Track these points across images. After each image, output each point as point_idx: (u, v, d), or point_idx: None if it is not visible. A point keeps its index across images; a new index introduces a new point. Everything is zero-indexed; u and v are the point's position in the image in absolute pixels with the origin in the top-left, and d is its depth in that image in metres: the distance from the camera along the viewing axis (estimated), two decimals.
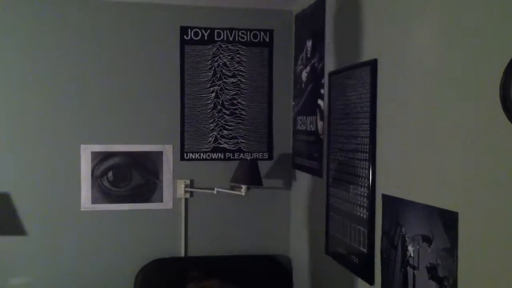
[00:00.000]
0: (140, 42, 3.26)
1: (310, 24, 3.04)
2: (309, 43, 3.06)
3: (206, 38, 3.33)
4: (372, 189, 2.15)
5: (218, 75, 3.35)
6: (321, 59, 2.82)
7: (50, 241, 3.18)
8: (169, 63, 3.30)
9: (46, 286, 3.18)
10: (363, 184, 2.23)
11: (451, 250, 1.58)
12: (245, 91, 3.39)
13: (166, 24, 3.29)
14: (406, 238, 1.86)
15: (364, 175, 2.22)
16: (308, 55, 3.07)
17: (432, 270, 1.69)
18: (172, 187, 3.33)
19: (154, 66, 3.28)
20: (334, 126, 2.58)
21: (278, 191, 3.47)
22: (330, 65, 2.70)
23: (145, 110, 3.28)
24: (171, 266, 3.23)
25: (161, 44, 3.28)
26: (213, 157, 3.38)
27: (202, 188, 3.36)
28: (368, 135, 2.18)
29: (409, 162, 1.86)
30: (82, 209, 3.22)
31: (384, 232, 2.05)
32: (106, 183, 3.24)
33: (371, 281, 2.16)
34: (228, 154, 3.39)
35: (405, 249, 1.87)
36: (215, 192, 3.32)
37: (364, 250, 2.21)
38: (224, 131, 3.38)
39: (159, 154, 3.31)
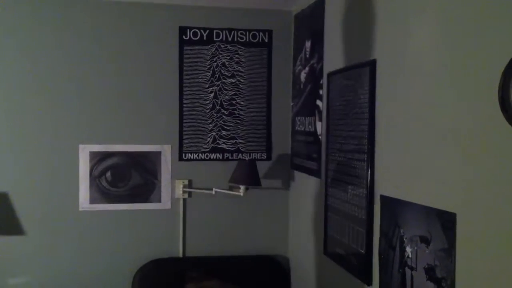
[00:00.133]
0: (139, 42, 3.26)
1: (309, 25, 3.04)
2: (308, 44, 3.06)
3: (205, 38, 3.33)
4: (371, 189, 2.15)
5: (217, 75, 3.35)
6: (320, 59, 2.83)
7: (49, 241, 3.18)
8: (168, 63, 3.30)
9: (44, 286, 3.17)
10: (361, 184, 2.23)
11: (449, 251, 1.59)
12: (244, 92, 3.39)
13: (165, 24, 3.29)
14: (404, 239, 1.86)
15: (362, 175, 2.22)
16: (307, 56, 3.07)
17: (430, 271, 1.69)
18: (171, 187, 3.32)
19: (153, 66, 3.28)
20: (332, 127, 2.58)
21: (277, 191, 3.47)
22: (329, 65, 2.70)
23: (144, 110, 3.28)
24: (169, 266, 3.23)
25: (160, 44, 3.28)
26: (212, 157, 3.38)
27: (201, 188, 3.36)
28: (366, 136, 2.18)
29: (408, 163, 1.86)
30: (80, 209, 3.22)
31: (382, 233, 2.05)
32: (104, 183, 3.24)
33: (369, 281, 2.16)
34: (226, 155, 3.39)
35: (403, 250, 1.87)
36: (213, 192, 3.32)
37: (362, 251, 2.21)
38: (223, 131, 3.38)
39: (158, 154, 3.30)
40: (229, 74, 3.37)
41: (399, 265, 1.90)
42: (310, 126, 2.99)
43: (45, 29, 3.14)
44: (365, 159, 2.19)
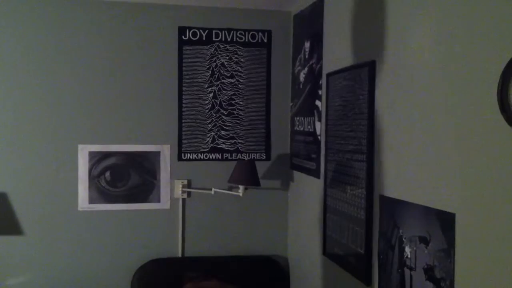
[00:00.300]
0: (138, 42, 3.26)
1: (308, 25, 3.04)
2: (307, 44, 3.06)
3: (204, 38, 3.33)
4: (370, 190, 2.15)
5: (216, 76, 3.36)
6: (319, 60, 2.83)
7: (48, 240, 3.18)
8: (167, 63, 3.30)
9: (43, 286, 3.17)
10: (360, 185, 2.23)
11: (448, 251, 1.59)
12: (243, 92, 3.40)
13: (164, 24, 3.29)
14: (403, 239, 1.87)
15: (361, 176, 2.22)
16: (306, 56, 3.07)
17: (429, 271, 1.70)
18: (170, 187, 3.32)
19: (152, 66, 3.28)
20: (331, 127, 2.58)
21: (276, 191, 3.47)
22: (328, 66, 2.71)
23: (143, 110, 3.28)
24: (168, 266, 3.23)
25: (159, 44, 3.28)
26: (211, 157, 3.38)
27: (200, 188, 3.36)
28: (365, 136, 2.18)
29: (407, 163, 1.87)
30: (79, 209, 3.22)
31: (381, 233, 2.05)
32: (103, 183, 3.24)
33: (368, 282, 2.17)
34: (225, 155, 3.39)
35: (402, 250, 1.87)
36: (212, 192, 3.32)
37: (361, 251, 2.21)
38: (222, 131, 3.38)
39: (157, 154, 3.30)
40: (228, 74, 3.37)
41: (398, 265, 1.90)
42: (309, 126, 2.99)
43: (44, 29, 3.14)
44: (364, 159, 2.19)
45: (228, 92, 3.37)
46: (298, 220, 3.27)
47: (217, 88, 3.36)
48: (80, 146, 3.21)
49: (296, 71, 3.31)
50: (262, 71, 3.42)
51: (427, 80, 1.75)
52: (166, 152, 3.31)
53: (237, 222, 3.42)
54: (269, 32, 3.42)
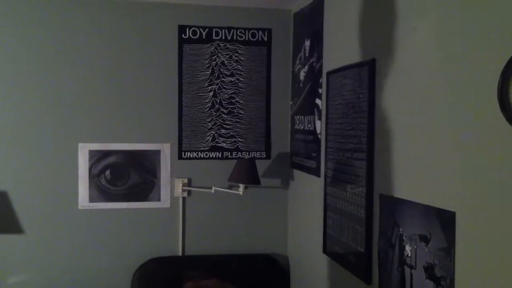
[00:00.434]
0: (138, 41, 3.25)
1: (309, 24, 3.04)
2: (307, 43, 3.06)
3: (204, 37, 3.33)
4: (370, 188, 2.15)
5: (216, 74, 3.35)
6: (320, 58, 2.83)
7: (48, 239, 3.18)
8: (167, 61, 3.30)
9: (43, 284, 3.18)
10: (360, 183, 2.23)
11: (448, 249, 1.59)
12: (243, 90, 3.39)
13: (164, 22, 3.28)
14: (404, 238, 1.87)
15: (361, 174, 2.22)
16: (306, 55, 3.07)
17: (429, 270, 1.70)
18: (170, 186, 3.33)
19: (152, 64, 3.28)
20: (332, 126, 2.58)
21: (276, 190, 3.47)
22: (328, 64, 2.71)
23: (143, 108, 3.28)
24: (168, 265, 3.23)
25: (159, 42, 3.28)
26: (211, 156, 3.38)
27: (200, 187, 3.36)
28: (366, 135, 2.18)
29: (407, 162, 1.87)
30: (79, 208, 3.22)
31: (382, 232, 2.05)
32: (103, 182, 3.24)
33: (368, 280, 2.17)
34: (226, 153, 3.39)
35: (402, 249, 1.87)
36: (213, 191, 3.32)
37: (362, 250, 2.22)
38: (222, 130, 3.38)
39: (157, 152, 3.30)
40: (229, 73, 3.37)
41: (398, 263, 1.90)
42: (309, 125, 2.99)
43: (43, 28, 3.14)
44: (365, 158, 2.19)
45: (228, 90, 3.37)
46: (298, 219, 3.27)
47: (217, 86, 3.36)
48: (80, 145, 3.21)
49: (296, 69, 3.30)
50: (262, 70, 3.42)
51: (427, 78, 1.75)
52: (166, 151, 3.31)
53: (237, 220, 3.43)
54: (269, 31, 3.41)
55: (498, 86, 1.35)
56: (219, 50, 3.35)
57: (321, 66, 2.80)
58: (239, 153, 3.41)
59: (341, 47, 2.54)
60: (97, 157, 3.23)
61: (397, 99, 1.95)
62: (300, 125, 3.19)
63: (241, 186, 3.21)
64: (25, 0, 3.11)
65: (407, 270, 1.84)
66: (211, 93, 3.35)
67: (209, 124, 3.36)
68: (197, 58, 3.33)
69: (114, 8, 3.22)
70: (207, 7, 3.32)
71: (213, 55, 3.35)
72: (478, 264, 1.47)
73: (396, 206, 1.93)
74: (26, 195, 3.14)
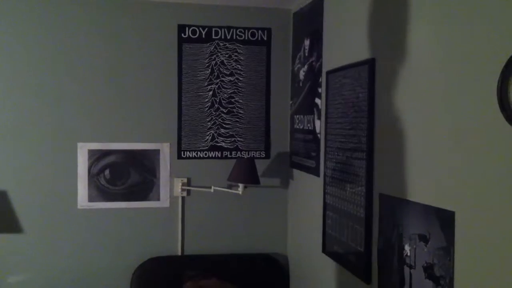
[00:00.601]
0: (137, 40, 3.25)
1: (308, 23, 3.04)
2: (307, 42, 3.06)
3: (203, 36, 3.33)
4: (369, 188, 2.15)
5: (216, 74, 3.35)
6: (319, 57, 2.83)
7: (47, 239, 3.18)
8: (167, 61, 3.30)
9: (42, 283, 3.17)
10: (360, 183, 2.23)
11: (448, 249, 1.59)
12: (242, 90, 3.39)
13: (163, 22, 3.28)
14: (403, 237, 1.87)
15: (361, 174, 2.22)
16: (306, 54, 3.07)
17: (428, 269, 1.70)
18: (169, 185, 3.32)
19: (151, 64, 3.28)
20: (331, 125, 2.58)
21: (276, 189, 3.47)
22: (328, 64, 2.70)
23: (142, 108, 3.27)
24: (168, 265, 3.23)
25: (158, 42, 3.28)
26: (211, 155, 3.38)
27: (199, 186, 3.36)
28: (365, 134, 2.18)
29: (407, 162, 1.87)
30: (79, 207, 3.22)
31: (381, 231, 2.05)
32: (103, 181, 3.24)
33: (367, 280, 2.17)
34: (225, 153, 3.39)
35: (401, 248, 1.87)
36: (212, 190, 3.32)
37: (361, 249, 2.21)
38: (222, 129, 3.38)
39: (156, 152, 3.30)
40: (228, 72, 3.37)
41: (397, 263, 1.90)
42: (309, 125, 2.99)
43: (43, 27, 3.13)
44: (364, 157, 2.19)
45: (228, 90, 3.37)
46: (297, 218, 3.27)
47: (217, 86, 3.36)
48: (79, 144, 3.20)
49: (295, 69, 3.30)
50: (262, 69, 3.41)
51: (426, 78, 1.75)
52: (165, 150, 3.31)
53: (237, 220, 3.43)
54: (269, 30, 3.41)
55: (497, 86, 1.35)
56: (219, 50, 3.35)
57: (320, 66, 2.80)
58: (239, 152, 3.41)
59: (340, 47, 2.54)
60: (96, 156, 3.23)
61: (396, 98, 1.95)
62: (299, 124, 3.19)
63: (241, 185, 3.21)
64: (24, 0, 3.11)
65: (406, 269, 1.84)
66: (211, 93, 3.35)
67: (209, 123, 3.36)
68: (197, 57, 3.33)
69: (113, 8, 3.22)
70: (207, 6, 3.32)
71: (212, 55, 3.34)
72: (477, 264, 1.47)
73: (396, 206, 1.93)
74: (25, 194, 3.14)
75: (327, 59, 2.72)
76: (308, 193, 3.03)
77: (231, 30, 3.36)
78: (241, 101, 3.39)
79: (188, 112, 3.33)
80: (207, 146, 3.37)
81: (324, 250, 2.70)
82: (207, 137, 3.37)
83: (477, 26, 1.49)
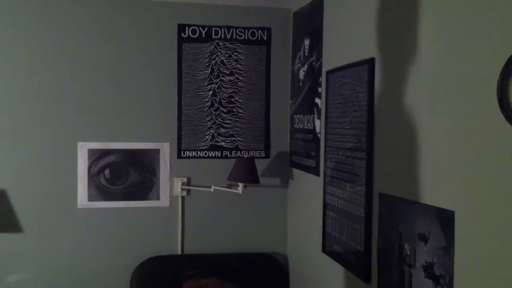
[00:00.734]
0: (137, 40, 3.25)
1: (308, 23, 3.04)
2: (307, 42, 3.06)
3: (203, 36, 3.33)
4: (369, 187, 2.15)
5: (216, 73, 3.35)
6: (319, 57, 2.83)
7: (47, 238, 3.18)
8: (167, 61, 3.30)
9: (42, 283, 3.17)
10: (360, 182, 2.23)
11: (448, 248, 1.59)
12: (242, 89, 3.39)
13: (163, 21, 3.28)
14: (403, 237, 1.87)
15: (361, 173, 2.22)
16: (306, 54, 3.07)
17: (428, 269, 1.70)
18: (169, 185, 3.32)
19: (151, 63, 3.28)
20: (331, 125, 2.58)
21: (275, 189, 3.47)
22: (327, 63, 2.71)
23: (142, 107, 3.28)
24: (167, 264, 3.23)
25: (158, 41, 3.28)
26: (210, 155, 3.38)
27: (199, 186, 3.36)
28: (365, 134, 2.18)
29: (406, 161, 1.87)
30: (78, 207, 3.22)
31: (381, 231, 2.05)
32: (103, 181, 3.24)
33: (367, 279, 2.17)
34: (225, 152, 3.39)
35: (401, 248, 1.88)
36: (212, 190, 3.32)
37: (361, 249, 2.22)
38: (222, 129, 3.38)
39: (156, 151, 3.30)
40: (228, 72, 3.37)
41: (397, 262, 1.90)
42: (308, 124, 2.99)
43: (42, 26, 3.13)
44: (364, 157, 2.19)
45: (228, 89, 3.37)
46: (297, 218, 3.27)
47: (217, 85, 3.36)
48: (79, 144, 3.21)
49: (295, 68, 3.30)
50: (262, 69, 3.42)
51: (426, 77, 1.75)
52: (165, 150, 3.31)
53: (237, 219, 3.43)
54: (269, 30, 3.41)
55: (497, 86, 1.36)
56: (219, 49, 3.35)
57: (320, 65, 2.80)
58: (239, 152, 3.41)
59: (340, 46, 2.54)
60: (96, 156, 3.23)
61: (396, 97, 1.95)
62: (299, 124, 3.19)
63: (241, 185, 3.21)
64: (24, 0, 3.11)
65: (406, 269, 1.84)
66: (211, 92, 3.35)
67: (209, 123, 3.36)
68: (197, 57, 3.33)
69: (113, 7, 3.22)
70: (207, 6, 3.32)
71: (212, 54, 3.34)
72: (477, 263, 1.47)
73: (396, 205, 1.93)
74: (25, 194, 3.14)
75: (327, 58, 2.72)
76: (308, 192, 3.03)
77: (231, 29, 3.36)
78: (241, 100, 3.39)
79: (188, 111, 3.33)
80: (207, 145, 3.37)
81: (324, 250, 2.70)
82: (207, 137, 3.37)
83: (476, 25, 1.49)
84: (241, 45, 3.38)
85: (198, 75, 3.33)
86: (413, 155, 1.82)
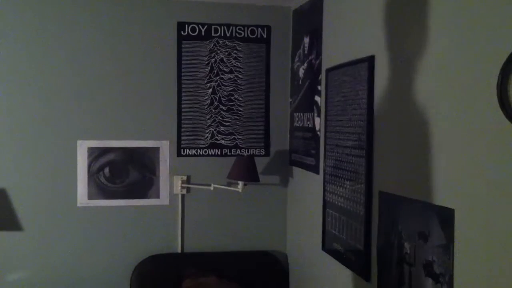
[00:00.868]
0: (137, 38, 3.25)
1: (308, 20, 3.03)
2: (306, 40, 3.05)
3: (203, 34, 3.33)
4: (369, 185, 2.15)
5: (215, 71, 3.35)
6: (319, 55, 2.82)
7: (46, 236, 3.18)
8: (166, 58, 3.29)
9: (42, 281, 3.18)
10: (360, 180, 2.23)
11: (447, 246, 1.59)
12: (242, 87, 3.39)
13: (163, 19, 3.28)
14: (403, 235, 1.87)
15: (361, 171, 2.22)
16: (306, 52, 3.07)
17: (428, 267, 1.70)
18: (169, 183, 3.32)
19: (151, 61, 3.27)
20: (331, 123, 2.58)
21: (275, 187, 3.47)
22: (327, 61, 2.70)
23: (142, 106, 3.27)
24: (167, 262, 3.23)
25: (158, 39, 3.27)
26: (210, 153, 3.37)
27: (199, 184, 3.36)
28: (365, 132, 2.18)
29: (406, 159, 1.87)
30: (78, 205, 3.22)
31: (381, 229, 2.05)
32: (102, 179, 3.24)
33: (367, 277, 2.17)
34: (225, 150, 3.39)
35: (401, 246, 1.87)
36: (211, 188, 3.32)
37: (361, 247, 2.22)
38: (221, 127, 3.38)
39: (156, 150, 3.30)
40: (228, 70, 3.36)
41: (397, 261, 1.90)
42: (308, 122, 2.99)
43: (42, 24, 3.13)
44: (364, 155, 2.19)
45: (227, 87, 3.37)
46: (297, 216, 3.27)
47: (216, 83, 3.35)
48: (79, 142, 3.20)
49: (295, 66, 3.30)
50: (261, 67, 3.41)
51: (426, 76, 1.74)
52: (165, 148, 3.31)
53: (236, 218, 3.43)
54: (269, 28, 3.41)
55: (497, 84, 1.35)
56: (218, 47, 3.35)
57: (320, 63, 2.80)
58: (238, 150, 3.41)
59: (340, 44, 2.54)
60: (96, 154, 3.22)
61: (396, 95, 1.95)
62: (299, 122, 3.19)
63: (240, 183, 3.21)
64: None
65: (406, 267, 1.84)
66: (210, 90, 3.35)
67: (208, 121, 3.36)
68: (196, 55, 3.32)
69: (112, 5, 3.21)
70: (206, 3, 3.31)
71: (212, 52, 3.34)
72: (477, 261, 1.47)
73: (395, 203, 1.93)
74: (25, 192, 3.14)
75: (327, 56, 2.72)
76: (307, 190, 3.03)
77: (231, 27, 3.35)
78: (240, 98, 3.39)
79: (188, 109, 3.33)
80: (206, 143, 3.37)
81: (323, 248, 2.70)
82: (207, 135, 3.36)
83: (476, 24, 1.48)
84: (241, 43, 3.37)
85: (197, 73, 3.33)
86: (413, 153, 1.82)
